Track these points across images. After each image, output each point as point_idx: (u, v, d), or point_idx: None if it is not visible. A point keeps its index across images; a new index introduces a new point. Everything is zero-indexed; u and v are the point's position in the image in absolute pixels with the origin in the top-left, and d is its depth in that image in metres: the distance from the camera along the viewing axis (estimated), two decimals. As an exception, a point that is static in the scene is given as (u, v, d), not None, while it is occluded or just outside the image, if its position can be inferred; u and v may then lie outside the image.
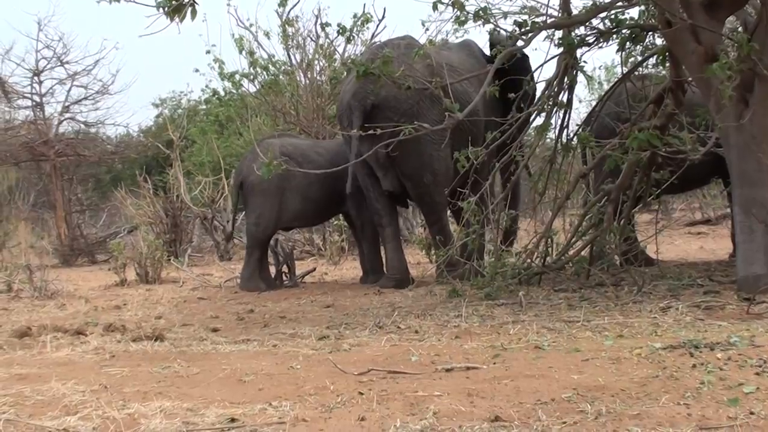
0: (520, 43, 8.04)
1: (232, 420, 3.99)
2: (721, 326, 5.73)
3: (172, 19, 6.16)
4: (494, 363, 4.98)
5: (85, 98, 19.02)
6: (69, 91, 18.87)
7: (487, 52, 10.58)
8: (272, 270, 10.96)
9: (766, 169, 6.95)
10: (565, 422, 3.65)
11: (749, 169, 7.01)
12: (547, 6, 8.24)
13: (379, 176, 9.71)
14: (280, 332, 6.90)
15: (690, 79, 7.84)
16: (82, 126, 19.66)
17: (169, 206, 16.40)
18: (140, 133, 26.12)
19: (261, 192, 10.32)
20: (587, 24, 8.21)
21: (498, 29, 8.55)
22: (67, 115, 19.07)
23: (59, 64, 18.62)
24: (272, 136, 11.42)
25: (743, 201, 7.07)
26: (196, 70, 25.03)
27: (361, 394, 4.35)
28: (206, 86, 23.95)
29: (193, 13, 6.14)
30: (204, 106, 25.21)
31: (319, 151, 10.76)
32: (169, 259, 13.25)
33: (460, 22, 7.76)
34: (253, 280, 10.46)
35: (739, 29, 7.92)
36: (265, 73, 17.39)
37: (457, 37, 12.19)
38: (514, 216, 10.29)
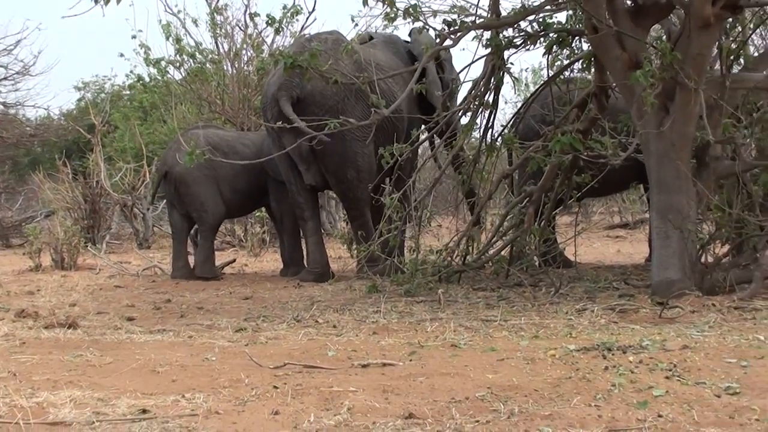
0: (448, 42, 8.05)
1: (144, 411, 3.93)
2: (634, 329, 5.82)
3: (96, 2, 6.06)
4: (410, 360, 4.99)
5: (5, 79, 18.63)
6: (-12, 71, 18.48)
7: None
8: (191, 260, 10.88)
9: (684, 177, 7.07)
10: (478, 421, 3.67)
11: (667, 175, 7.12)
12: (477, 6, 8.26)
13: (302, 170, 9.66)
14: (196, 323, 6.84)
15: (614, 84, 7.95)
16: (1, 107, 19.25)
17: (89, 192, 16.14)
18: (61, 117, 25.63)
19: (194, 181, 10.27)
20: (515, 26, 8.26)
21: (427, 27, 8.56)
22: (-15, 95, 18.68)
23: (-23, 43, 18.21)
24: (197, 127, 11.33)
25: (660, 207, 7.19)
26: (121, 55, 24.76)
27: (276, 387, 4.33)
28: (131, 72, 23.55)
29: (119, -4, 6.05)
30: (128, 92, 24.86)
31: (245, 142, 10.73)
32: (87, 246, 13.03)
33: (390, 18, 7.75)
34: (208, 265, 10.46)
35: (663, 38, 8.05)
36: (191, 60, 17.21)
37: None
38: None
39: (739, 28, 8.44)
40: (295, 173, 9.77)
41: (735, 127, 7.48)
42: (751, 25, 8.72)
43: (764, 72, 7.68)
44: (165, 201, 10.73)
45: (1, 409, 3.99)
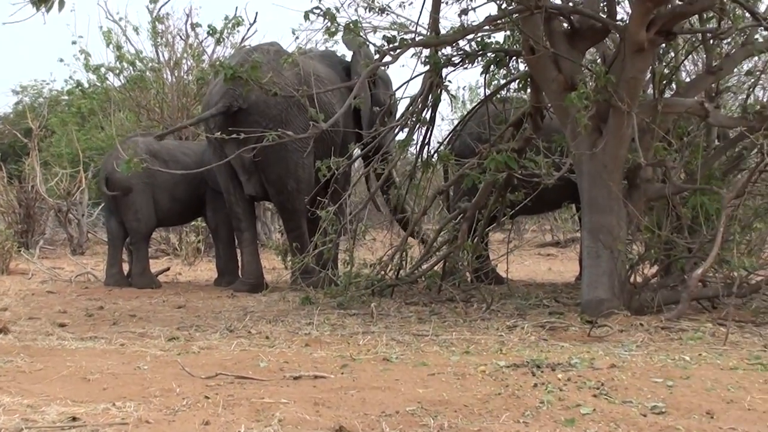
0: (387, 58, 8.11)
1: (74, 419, 3.91)
2: (564, 347, 5.90)
3: (38, 9, 6.01)
4: (342, 373, 5.01)
5: (-60, 80, 18.35)
6: (-77, 71, 18.18)
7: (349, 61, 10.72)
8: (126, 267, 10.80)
9: (615, 198, 7.20)
10: (407, 435, 3.71)
11: (599, 196, 7.25)
12: (417, 24, 8.34)
13: (243, 180, 9.67)
14: (129, 331, 6.81)
15: (549, 105, 8.07)
16: (-64, 109, 18.93)
17: (23, 196, 15.95)
18: (-3, 120, 25.22)
19: (131, 189, 10.25)
20: (454, 45, 8.34)
21: (367, 43, 8.62)
22: None
23: None
24: (137, 135, 11.28)
25: (592, 226, 7.31)
26: (61, 60, 24.28)
27: (207, 398, 4.32)
28: (70, 77, 23.18)
29: (61, 4, 5.99)
30: (66, 97, 24.53)
31: (185, 151, 10.72)
32: (20, 250, 12.89)
33: (331, 33, 7.80)
34: (147, 275, 10.41)
35: (598, 61, 8.20)
36: (131, 68, 17.09)
37: (327, 47, 12.26)
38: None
39: (672, 54, 8.63)
40: (234, 183, 9.78)
41: (666, 151, 7.62)
42: (684, 52, 8.91)
43: (695, 97, 7.84)
44: (101, 207, 10.63)
45: (-73, 415, 3.95)
